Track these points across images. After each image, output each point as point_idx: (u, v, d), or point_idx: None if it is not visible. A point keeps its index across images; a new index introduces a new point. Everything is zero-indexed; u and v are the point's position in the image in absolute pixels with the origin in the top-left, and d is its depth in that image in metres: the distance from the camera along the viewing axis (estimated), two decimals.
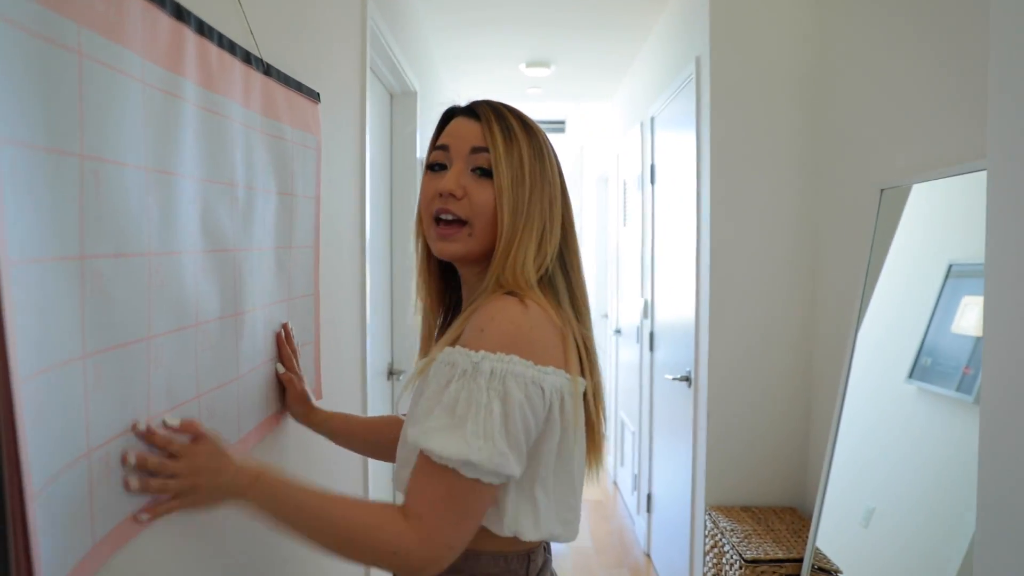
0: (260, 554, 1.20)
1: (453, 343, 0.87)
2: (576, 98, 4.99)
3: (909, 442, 1.73)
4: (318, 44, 1.55)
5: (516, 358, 0.82)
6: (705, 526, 2.45)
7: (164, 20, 0.82)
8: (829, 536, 1.95)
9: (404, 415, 1.02)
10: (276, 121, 1.21)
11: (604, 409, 1.02)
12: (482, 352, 0.82)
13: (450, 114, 1.01)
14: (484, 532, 0.90)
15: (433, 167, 0.97)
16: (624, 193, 4.25)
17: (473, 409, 0.80)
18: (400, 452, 0.96)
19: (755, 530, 2.24)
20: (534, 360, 0.84)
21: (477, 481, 0.81)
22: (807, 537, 2.08)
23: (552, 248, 0.96)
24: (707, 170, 2.45)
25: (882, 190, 1.91)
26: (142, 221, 0.77)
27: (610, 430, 4.95)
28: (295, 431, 1.35)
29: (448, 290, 1.09)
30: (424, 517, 0.81)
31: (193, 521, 0.94)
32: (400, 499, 0.88)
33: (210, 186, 0.95)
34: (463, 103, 1.01)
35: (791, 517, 2.35)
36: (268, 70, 1.17)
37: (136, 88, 0.76)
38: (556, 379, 0.85)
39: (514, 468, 0.82)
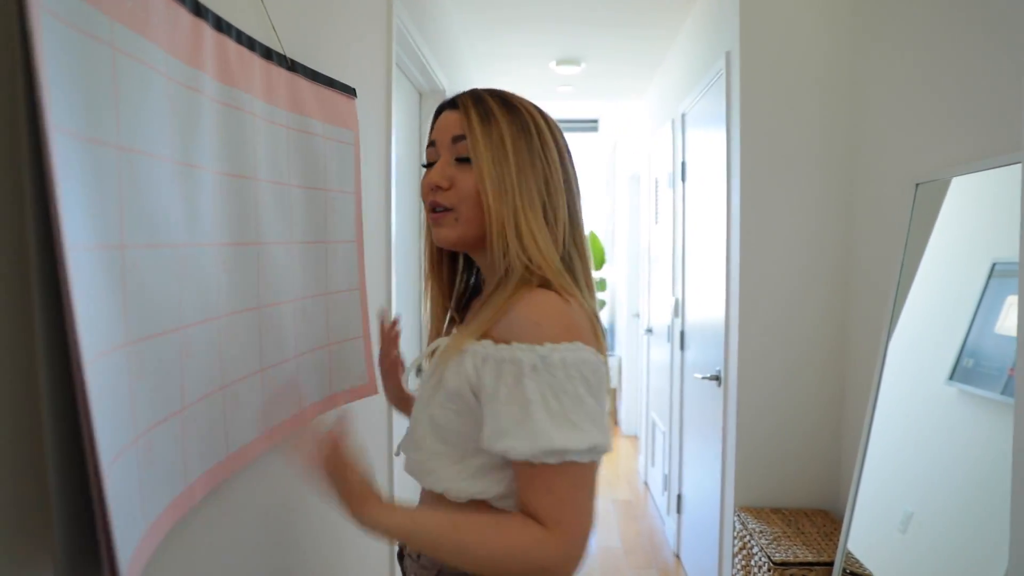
0: (295, 540, 1.22)
1: (485, 335, 0.88)
2: (607, 96, 4.97)
3: (950, 446, 1.69)
4: (343, 42, 1.57)
5: (580, 344, 0.84)
6: (734, 527, 2.42)
7: (184, 16, 0.84)
8: (864, 540, 1.91)
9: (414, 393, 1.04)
10: (303, 116, 1.22)
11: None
12: (548, 344, 0.83)
13: (440, 110, 1.02)
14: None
15: (427, 165, 1.00)
16: (656, 191, 4.22)
17: (566, 400, 0.82)
18: (415, 434, 0.96)
19: (785, 532, 2.21)
20: (589, 344, 0.86)
21: (592, 461, 0.84)
22: (839, 540, 2.05)
23: (563, 222, 0.95)
24: (736, 166, 2.42)
25: (917, 184, 1.87)
26: (170, 212, 0.79)
27: (641, 430, 4.92)
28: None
29: (454, 279, 1.10)
30: (563, 519, 0.82)
31: (228, 512, 0.96)
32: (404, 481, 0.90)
33: (230, 180, 0.97)
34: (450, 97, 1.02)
35: (823, 520, 2.31)
36: (293, 66, 1.19)
37: (161, 82, 0.78)
38: (603, 364, 0.89)
39: (605, 444, 0.85)
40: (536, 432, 0.81)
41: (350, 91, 1.42)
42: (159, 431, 0.77)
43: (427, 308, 1.11)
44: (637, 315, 5.36)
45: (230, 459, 0.95)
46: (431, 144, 0.99)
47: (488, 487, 0.89)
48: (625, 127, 5.92)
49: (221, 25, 0.95)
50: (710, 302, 2.81)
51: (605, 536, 3.82)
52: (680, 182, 3.41)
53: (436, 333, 1.09)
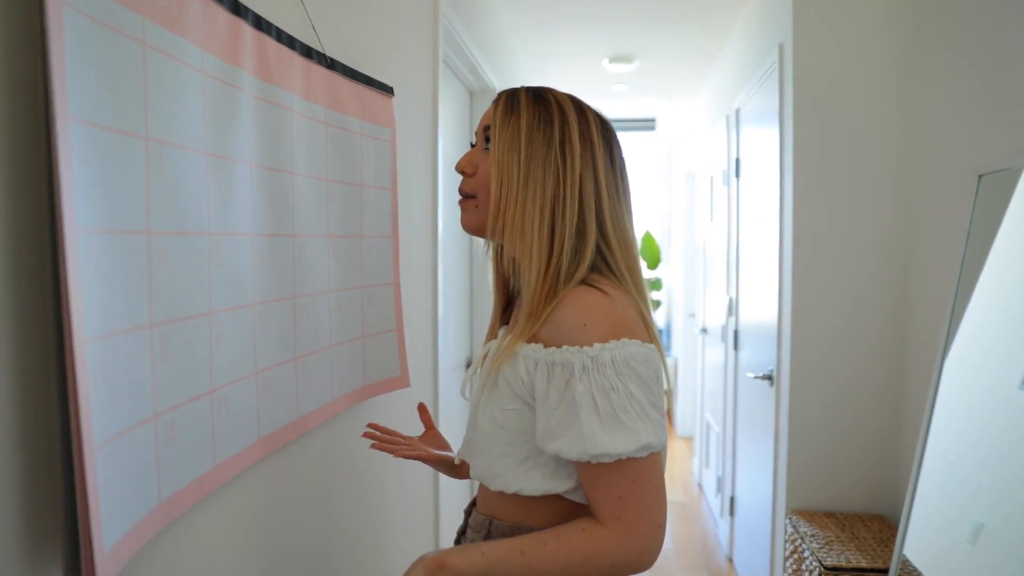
0: (318, 535, 1.25)
1: (531, 338, 0.88)
2: (662, 94, 4.91)
3: (1023, 455, 1.59)
4: (388, 42, 1.60)
5: (627, 340, 0.84)
6: (785, 531, 2.36)
7: (222, 15, 0.88)
8: (928, 550, 1.82)
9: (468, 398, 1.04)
10: (341, 113, 1.26)
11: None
12: (596, 345, 0.83)
13: None
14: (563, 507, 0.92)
15: None
16: (711, 189, 4.14)
17: (616, 399, 0.82)
18: (475, 439, 0.96)
19: (838, 537, 2.13)
20: (639, 339, 0.86)
21: (651, 454, 0.84)
22: (894, 547, 1.96)
23: (572, 217, 0.91)
24: (789, 161, 2.35)
25: (980, 176, 1.78)
26: (201, 202, 0.83)
27: (696, 431, 4.83)
28: (359, 420, 1.40)
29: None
30: (623, 515, 0.83)
31: (253, 498, 0.99)
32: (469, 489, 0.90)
33: (267, 173, 1.01)
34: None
35: (879, 525, 2.22)
36: (332, 64, 1.22)
37: (196, 77, 0.82)
38: (654, 353, 0.88)
39: (666, 435, 0.86)
40: (584, 435, 0.82)
41: (388, 90, 1.45)
42: (186, 410, 0.80)
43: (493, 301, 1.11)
44: (693, 315, 5.27)
45: (262, 442, 0.99)
46: (475, 138, 1.02)
47: (559, 483, 0.90)
48: (681, 125, 5.83)
49: (261, 24, 0.98)
50: (764, 300, 2.74)
51: None
52: (734, 178, 3.34)
53: (492, 334, 1.08)
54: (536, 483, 0.90)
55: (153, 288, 0.73)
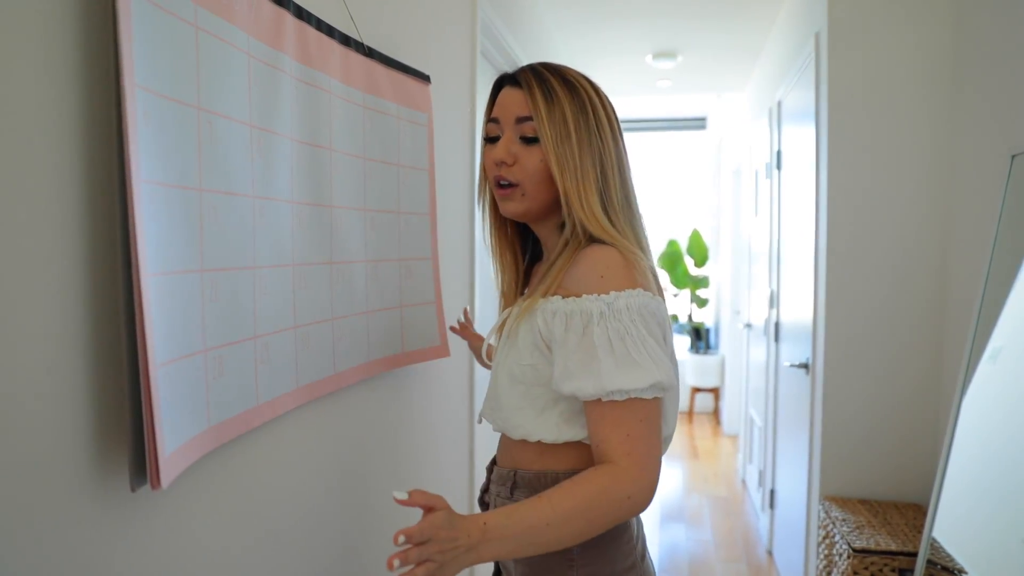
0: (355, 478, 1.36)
1: (554, 292, 0.97)
2: (708, 89, 4.91)
3: None
4: (427, 35, 1.71)
5: (640, 291, 0.93)
6: (819, 517, 2.37)
7: (267, 5, 0.99)
8: (982, 552, 1.78)
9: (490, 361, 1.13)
10: (379, 97, 1.36)
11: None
12: (612, 293, 0.92)
13: (500, 83, 1.10)
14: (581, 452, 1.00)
15: (489, 139, 1.08)
16: (756, 183, 4.14)
17: (630, 341, 0.90)
18: (496, 395, 1.06)
19: (869, 522, 2.14)
20: (651, 292, 0.96)
21: (656, 398, 0.92)
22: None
23: (616, 192, 1.03)
24: (825, 149, 2.37)
25: (1013, 156, 1.77)
26: (247, 167, 0.94)
27: (740, 428, 4.81)
28: (398, 383, 1.51)
29: (525, 245, 1.19)
30: (632, 452, 0.90)
31: (292, 440, 1.11)
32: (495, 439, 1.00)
33: (306, 147, 1.12)
34: (510, 71, 1.09)
35: (914, 513, 2.21)
36: (370, 52, 1.33)
37: (242, 58, 0.93)
38: (663, 305, 0.98)
39: (676, 378, 0.95)
40: (601, 373, 0.90)
41: (424, 77, 1.55)
42: (232, 350, 0.91)
43: (500, 279, 1.19)
44: (738, 312, 5.24)
45: (298, 391, 1.10)
46: (494, 120, 1.07)
47: (577, 430, 0.99)
48: (729, 122, 5.81)
49: (302, 13, 1.09)
50: (802, 290, 2.75)
51: (697, 531, 3.79)
52: (776, 171, 3.35)
53: (510, 302, 1.18)
54: (556, 431, 0.99)
55: (204, 238, 0.85)
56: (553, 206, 1.05)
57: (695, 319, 6.30)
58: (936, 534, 1.86)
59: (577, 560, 0.99)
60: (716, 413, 6.20)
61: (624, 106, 6.57)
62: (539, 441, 0.99)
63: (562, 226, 1.04)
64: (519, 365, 1.00)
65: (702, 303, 6.28)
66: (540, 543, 0.88)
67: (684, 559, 3.44)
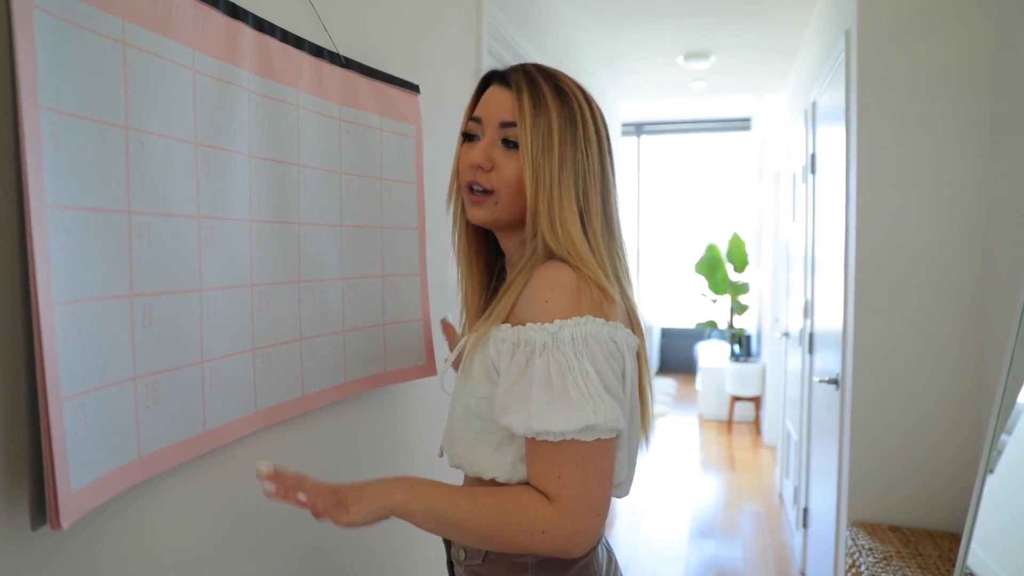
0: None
1: (506, 319, 0.91)
2: (744, 91, 4.76)
3: None
4: (423, 44, 1.67)
5: (590, 318, 0.85)
6: (846, 544, 2.23)
7: (218, 18, 0.95)
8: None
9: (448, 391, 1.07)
10: (357, 109, 1.32)
11: (649, 376, 1.01)
12: (557, 321, 0.85)
13: (488, 80, 1.02)
14: None
15: (467, 136, 1.00)
16: (793, 186, 3.98)
17: (570, 376, 0.83)
18: (452, 429, 0.99)
19: (898, 552, 2.00)
20: (604, 317, 0.87)
21: (598, 440, 0.84)
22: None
23: (596, 215, 0.95)
24: (854, 153, 2.24)
25: None
26: (189, 187, 0.91)
27: (778, 440, 4.64)
28: (379, 404, 1.46)
29: (493, 261, 1.11)
30: (562, 495, 0.83)
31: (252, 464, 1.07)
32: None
33: (268, 163, 1.08)
34: (501, 68, 1.01)
35: (949, 543, 2.06)
36: (348, 63, 1.29)
37: (184, 74, 0.89)
38: (623, 335, 0.89)
39: (622, 420, 0.85)
40: (531, 411, 0.83)
41: (412, 87, 1.51)
42: (172, 376, 0.88)
43: (465, 290, 1.10)
44: (778, 319, 5.07)
45: (258, 415, 1.06)
46: (476, 119, 0.99)
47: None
48: (770, 123, 5.63)
49: (263, 26, 1.06)
50: (833, 301, 2.62)
51: (728, 546, 3.66)
52: (810, 175, 3.21)
53: (472, 318, 1.09)
54: (511, 470, 0.92)
55: (134, 262, 0.81)
56: (524, 219, 0.98)
57: (736, 325, 6.12)
58: (972, 564, 1.74)
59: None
60: (756, 423, 6.01)
61: (664, 107, 6.45)
62: (493, 479, 0.93)
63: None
64: (475, 398, 0.94)
65: (741, 309, 6.10)
66: (445, 520, 0.86)
67: (710, 574, 3.32)
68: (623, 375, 0.89)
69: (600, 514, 0.84)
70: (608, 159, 1.00)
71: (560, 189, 0.93)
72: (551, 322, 0.85)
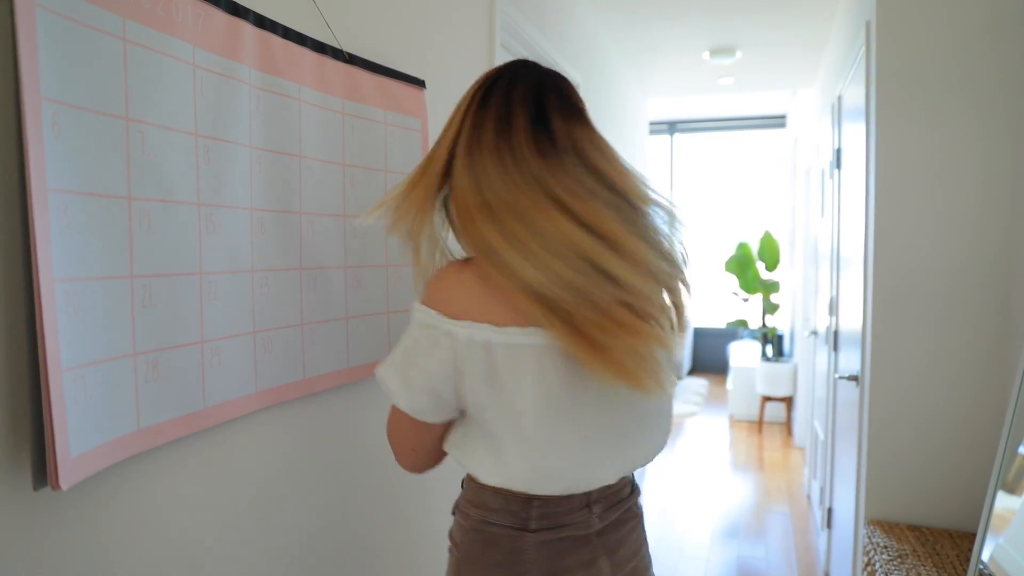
0: (291, 489, 1.36)
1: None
2: (773, 87, 4.71)
3: None
4: (431, 39, 1.71)
5: (430, 310, 0.93)
6: (863, 542, 2.21)
7: (219, 16, 1.00)
8: None
9: None
10: (362, 104, 1.37)
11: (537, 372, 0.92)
12: (419, 305, 0.95)
13: None
14: None
15: None
16: (822, 183, 3.93)
17: (401, 347, 0.95)
18: None
19: (914, 551, 1.98)
20: (447, 314, 0.91)
21: (401, 412, 0.97)
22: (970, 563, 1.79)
23: (497, 198, 0.89)
24: (873, 148, 2.21)
25: None
26: (189, 176, 0.96)
27: (807, 440, 4.58)
28: (370, 391, 1.51)
29: None
30: (388, 433, 1.05)
31: (251, 442, 1.12)
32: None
33: (269, 155, 1.13)
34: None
35: (968, 543, 2.03)
36: (351, 59, 1.34)
37: (185, 70, 0.95)
38: (474, 331, 0.89)
39: (407, 404, 0.95)
40: (384, 363, 0.97)
41: (418, 82, 1.55)
42: (173, 354, 0.93)
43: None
44: (808, 318, 4.99)
45: (259, 395, 1.11)
46: None
47: (450, 442, 1.03)
48: (803, 119, 5.55)
49: (264, 23, 1.11)
50: (855, 299, 2.58)
51: (753, 547, 3.62)
52: (836, 170, 3.17)
53: None
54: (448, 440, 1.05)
55: (134, 245, 0.87)
56: None
57: (768, 325, 6.04)
58: (987, 559, 1.70)
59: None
60: (788, 423, 5.92)
61: (697, 105, 6.40)
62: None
63: None
64: None
65: (773, 308, 6.01)
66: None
67: (730, 574, 3.29)
68: (454, 368, 0.91)
69: (414, 467, 1.06)
70: (506, 125, 0.94)
71: (456, 192, 0.95)
72: (421, 304, 0.95)
